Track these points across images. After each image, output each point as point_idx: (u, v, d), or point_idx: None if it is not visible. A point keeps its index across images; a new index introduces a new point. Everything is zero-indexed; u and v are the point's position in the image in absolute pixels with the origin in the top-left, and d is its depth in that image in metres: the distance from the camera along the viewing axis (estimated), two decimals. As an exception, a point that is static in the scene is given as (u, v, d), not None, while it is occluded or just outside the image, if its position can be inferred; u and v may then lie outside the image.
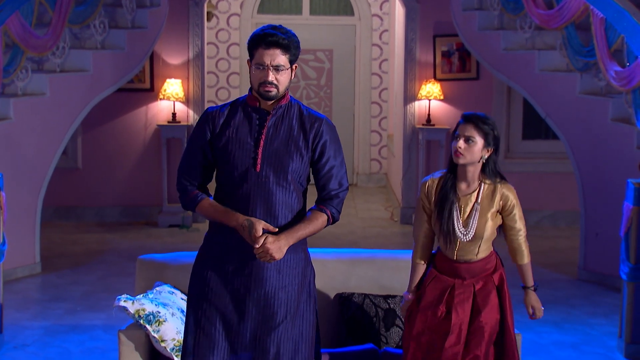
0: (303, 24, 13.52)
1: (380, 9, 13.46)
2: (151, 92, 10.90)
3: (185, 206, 4.28)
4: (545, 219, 11.01)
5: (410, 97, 11.06)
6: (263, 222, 4.05)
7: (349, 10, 13.56)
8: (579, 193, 8.90)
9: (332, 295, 5.37)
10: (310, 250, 5.64)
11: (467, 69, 10.99)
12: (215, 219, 4.17)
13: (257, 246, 4.01)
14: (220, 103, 9.80)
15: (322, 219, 4.20)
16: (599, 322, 7.53)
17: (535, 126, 11.20)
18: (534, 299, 4.79)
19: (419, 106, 11.06)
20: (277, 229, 4.08)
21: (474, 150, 4.59)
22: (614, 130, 8.46)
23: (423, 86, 10.89)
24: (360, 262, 5.50)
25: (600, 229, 8.60)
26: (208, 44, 11.27)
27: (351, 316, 5.27)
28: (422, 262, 4.79)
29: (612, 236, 7.92)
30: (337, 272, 5.44)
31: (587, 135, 8.75)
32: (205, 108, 4.65)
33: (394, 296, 5.34)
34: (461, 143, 4.59)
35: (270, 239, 4.02)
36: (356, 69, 13.60)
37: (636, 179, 6.81)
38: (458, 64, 10.98)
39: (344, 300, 5.31)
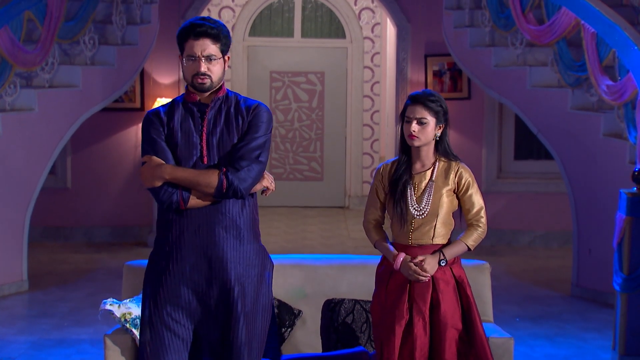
0: (295, 47, 13.55)
1: (372, 31, 13.47)
2: (142, 111, 10.85)
3: (168, 195, 4.05)
4: (538, 240, 10.95)
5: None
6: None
7: (340, 33, 13.56)
8: (571, 209, 8.84)
9: (322, 301, 5.29)
10: (300, 256, 5.62)
11: (459, 88, 10.98)
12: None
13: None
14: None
15: (213, 172, 4.00)
16: (592, 336, 7.43)
17: (527, 146, 11.17)
18: (432, 263, 4.50)
19: (411, 126, 11.01)
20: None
21: (427, 130, 4.53)
22: (605, 145, 8.42)
23: (414, 106, 10.85)
24: (351, 268, 5.43)
25: (593, 245, 8.53)
26: (199, 65, 11.23)
27: (342, 322, 5.19)
28: (382, 237, 4.70)
29: (605, 252, 7.86)
30: (328, 277, 5.37)
31: (579, 151, 8.71)
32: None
33: (385, 302, 5.26)
34: (415, 126, 4.51)
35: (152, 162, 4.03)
36: (348, 92, 13.58)
37: (629, 189, 6.76)
38: (449, 84, 10.97)
39: (335, 306, 5.23)
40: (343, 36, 13.55)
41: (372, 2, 13.22)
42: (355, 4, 13.44)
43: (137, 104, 10.87)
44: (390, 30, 12.04)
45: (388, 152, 12.04)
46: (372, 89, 13.53)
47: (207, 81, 4.04)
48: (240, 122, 4.08)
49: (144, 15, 9.75)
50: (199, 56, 4.03)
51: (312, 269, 5.36)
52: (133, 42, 9.61)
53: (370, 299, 5.27)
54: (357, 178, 13.64)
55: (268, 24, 13.60)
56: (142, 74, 10.72)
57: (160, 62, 10.76)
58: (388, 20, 11.88)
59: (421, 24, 10.98)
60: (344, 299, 5.26)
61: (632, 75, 7.62)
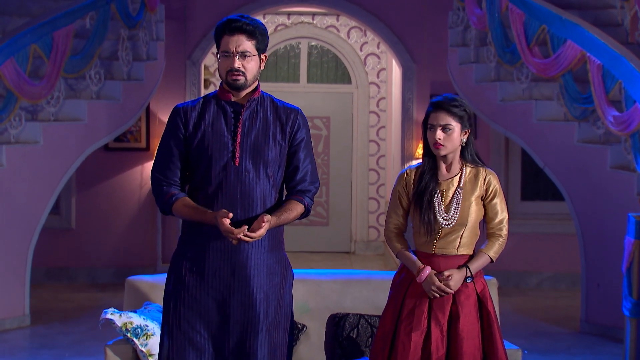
0: (300, 92, 13.55)
1: (378, 77, 13.49)
2: (147, 151, 10.83)
3: (161, 209, 4.13)
4: (546, 281, 10.83)
5: (407, 156, 11.02)
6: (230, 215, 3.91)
7: (346, 79, 13.59)
8: (579, 243, 8.75)
9: (326, 316, 5.22)
10: (304, 271, 5.53)
11: (465, 128, 10.94)
12: (192, 218, 4.03)
13: (238, 235, 3.87)
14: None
15: (299, 208, 4.10)
16: (602, 367, 7.34)
17: (533, 187, 11.11)
18: (458, 279, 4.37)
19: (417, 165, 11.00)
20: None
21: (453, 137, 4.38)
22: (613, 178, 8.36)
23: (420, 144, 10.85)
24: (355, 283, 5.37)
25: (602, 279, 8.43)
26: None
27: (346, 337, 5.11)
28: (405, 247, 4.50)
29: (613, 286, 7.76)
30: (332, 292, 5.31)
31: (587, 184, 8.65)
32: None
33: (390, 316, 5.17)
34: (439, 133, 4.36)
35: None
36: (353, 137, 13.56)
37: (637, 213, 6.69)
38: (455, 124, 10.94)
39: (339, 320, 5.16)
40: (349, 81, 13.58)
41: (378, 47, 13.28)
42: (361, 50, 13.48)
43: (143, 144, 10.86)
44: (395, 73, 12.07)
45: (394, 195, 11.98)
46: (377, 134, 13.51)
47: (241, 78, 4.00)
48: (279, 126, 4.07)
49: (150, 52, 9.78)
50: (233, 52, 3.99)
51: (316, 284, 5.30)
52: (139, 78, 9.62)
53: (375, 313, 5.20)
54: (363, 223, 13.56)
55: (274, 69, 13.65)
56: (148, 113, 10.73)
57: (166, 101, 10.77)
58: (394, 63, 11.91)
59: (426, 63, 11.01)
60: (348, 314, 5.18)
61: (639, 105, 7.59)
